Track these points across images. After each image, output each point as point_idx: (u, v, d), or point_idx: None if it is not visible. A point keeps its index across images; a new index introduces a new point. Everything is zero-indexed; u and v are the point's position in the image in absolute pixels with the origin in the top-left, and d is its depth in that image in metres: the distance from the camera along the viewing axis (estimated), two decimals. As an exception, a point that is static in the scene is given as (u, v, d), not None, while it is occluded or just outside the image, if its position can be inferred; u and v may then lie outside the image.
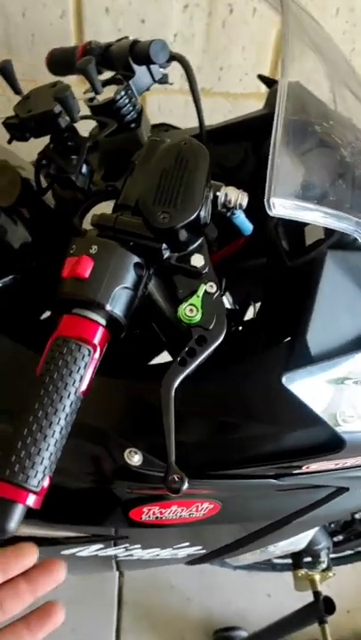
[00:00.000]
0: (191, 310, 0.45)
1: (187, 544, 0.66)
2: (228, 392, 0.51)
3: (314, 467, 0.53)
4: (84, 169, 0.59)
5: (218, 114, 1.17)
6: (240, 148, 0.78)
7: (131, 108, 0.65)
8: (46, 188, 0.63)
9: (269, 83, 0.80)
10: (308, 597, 1.15)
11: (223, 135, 0.77)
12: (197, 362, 0.44)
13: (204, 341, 0.44)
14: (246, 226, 0.50)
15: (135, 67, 0.66)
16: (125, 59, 0.66)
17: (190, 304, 0.45)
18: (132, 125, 0.66)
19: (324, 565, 1.06)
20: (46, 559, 0.43)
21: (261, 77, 0.82)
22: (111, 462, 0.52)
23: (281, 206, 0.40)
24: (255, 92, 1.13)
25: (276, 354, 0.50)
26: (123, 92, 0.64)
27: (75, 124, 0.58)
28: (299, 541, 0.85)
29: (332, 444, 0.50)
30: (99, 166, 0.67)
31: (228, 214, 0.48)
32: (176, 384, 0.43)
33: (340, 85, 0.59)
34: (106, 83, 0.65)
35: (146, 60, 0.65)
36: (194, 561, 0.72)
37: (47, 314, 0.68)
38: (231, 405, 0.51)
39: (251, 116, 0.77)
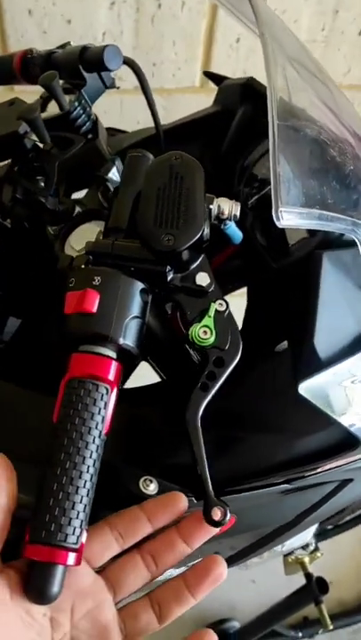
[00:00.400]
0: (205, 332, 0.43)
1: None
2: (238, 407, 0.50)
3: (327, 466, 0.53)
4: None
5: (154, 111, 1.15)
6: (195, 148, 0.76)
7: (86, 119, 0.62)
8: (8, 213, 0.59)
9: (216, 79, 0.78)
10: (291, 578, 1.17)
11: (177, 135, 0.75)
12: (218, 384, 0.42)
13: (222, 363, 0.42)
14: (237, 234, 0.48)
15: (86, 74, 0.63)
16: (74, 66, 0.63)
17: (204, 325, 0.43)
18: (90, 136, 0.63)
19: (312, 547, 1.08)
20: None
21: (207, 74, 0.80)
22: (126, 494, 0.50)
23: (290, 216, 0.39)
24: (190, 86, 1.12)
25: (283, 362, 0.50)
26: (76, 103, 0.60)
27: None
28: (304, 536, 0.86)
29: (347, 442, 0.50)
30: (58, 182, 0.63)
31: (221, 226, 0.47)
32: (201, 411, 0.42)
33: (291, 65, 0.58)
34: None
35: (98, 66, 0.61)
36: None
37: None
38: (244, 420, 0.50)
39: (203, 113, 0.76)
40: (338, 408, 0.48)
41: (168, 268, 0.42)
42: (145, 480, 0.50)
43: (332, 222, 0.43)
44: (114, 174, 0.57)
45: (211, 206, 0.45)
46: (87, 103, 0.63)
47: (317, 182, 0.43)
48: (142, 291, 0.42)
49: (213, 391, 0.42)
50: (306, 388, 0.46)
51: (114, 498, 0.51)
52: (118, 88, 0.72)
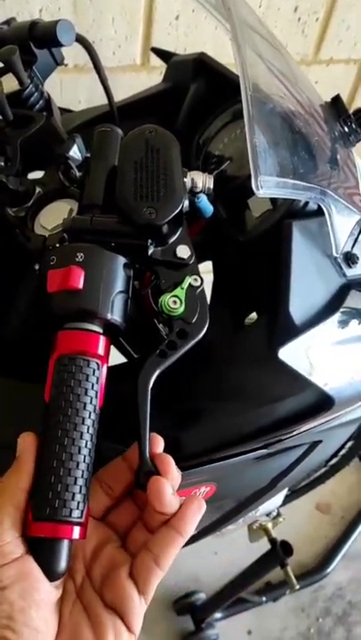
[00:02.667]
0: (175, 302, 0.44)
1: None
2: (218, 379, 0.51)
3: (303, 428, 0.55)
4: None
5: (95, 90, 1.13)
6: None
7: (39, 97, 0.61)
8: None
9: (164, 56, 0.78)
10: (251, 547, 1.21)
11: (129, 113, 0.74)
12: (177, 355, 0.42)
13: (185, 335, 0.43)
14: (209, 208, 0.49)
15: (36, 50, 0.62)
16: (24, 42, 0.61)
17: (174, 295, 0.44)
18: (44, 114, 0.62)
19: (274, 513, 1.11)
20: None
21: (155, 50, 0.80)
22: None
23: (269, 186, 0.40)
24: (131, 64, 1.11)
25: (256, 333, 0.51)
26: (28, 80, 0.59)
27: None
28: (276, 500, 0.89)
29: (322, 403, 0.52)
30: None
31: (194, 199, 0.47)
32: (154, 376, 0.42)
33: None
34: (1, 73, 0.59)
35: (50, 42, 0.60)
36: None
37: None
38: (223, 391, 0.51)
39: (154, 90, 0.75)
40: (315, 371, 0.50)
41: (149, 241, 0.42)
42: (126, 451, 0.50)
43: (305, 191, 0.44)
44: (75, 152, 0.56)
45: (185, 179, 0.45)
46: (39, 80, 0.62)
47: (289, 152, 0.44)
48: (125, 265, 0.42)
49: (170, 361, 0.42)
50: (285, 353, 0.48)
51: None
52: (67, 65, 0.71)
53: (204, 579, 1.47)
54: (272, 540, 1.11)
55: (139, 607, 0.38)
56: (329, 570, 1.51)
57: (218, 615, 1.37)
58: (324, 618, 1.49)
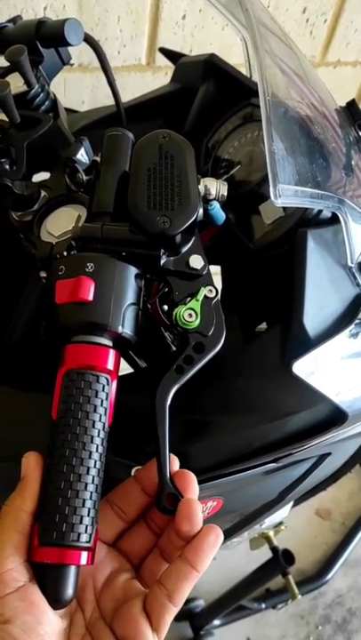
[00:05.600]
0: (190, 315, 0.42)
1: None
2: (227, 392, 0.49)
3: (313, 442, 0.54)
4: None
5: (100, 90, 1.11)
6: (155, 127, 0.74)
7: (44, 98, 0.59)
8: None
9: (173, 56, 0.76)
10: (250, 553, 1.19)
11: (136, 114, 0.73)
12: (194, 370, 0.41)
13: (202, 349, 0.41)
14: (221, 215, 0.47)
15: (43, 50, 0.60)
16: (31, 42, 0.59)
17: (189, 308, 0.42)
18: (50, 116, 0.60)
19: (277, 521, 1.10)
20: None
21: (163, 51, 0.78)
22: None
23: (287, 194, 0.38)
24: (136, 64, 1.09)
25: (267, 344, 0.49)
26: (36, 81, 0.57)
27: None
28: (283, 512, 0.88)
29: (335, 417, 0.51)
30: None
31: (207, 206, 0.46)
32: (172, 393, 0.40)
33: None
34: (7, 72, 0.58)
35: (58, 41, 0.58)
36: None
37: None
38: (234, 403, 0.49)
39: (162, 91, 0.74)
40: (328, 385, 0.49)
41: (162, 251, 0.41)
42: (137, 471, 0.48)
43: (322, 200, 0.43)
44: (82, 155, 0.55)
45: (198, 186, 0.44)
46: (45, 81, 0.60)
47: (306, 159, 0.43)
48: (137, 276, 0.40)
49: (188, 376, 0.41)
50: (299, 367, 0.46)
51: (107, 491, 0.50)
52: (72, 65, 0.69)
53: (203, 585, 1.45)
54: (274, 549, 1.09)
55: None
56: (329, 577, 1.50)
57: (216, 622, 1.36)
58: (323, 625, 1.48)
